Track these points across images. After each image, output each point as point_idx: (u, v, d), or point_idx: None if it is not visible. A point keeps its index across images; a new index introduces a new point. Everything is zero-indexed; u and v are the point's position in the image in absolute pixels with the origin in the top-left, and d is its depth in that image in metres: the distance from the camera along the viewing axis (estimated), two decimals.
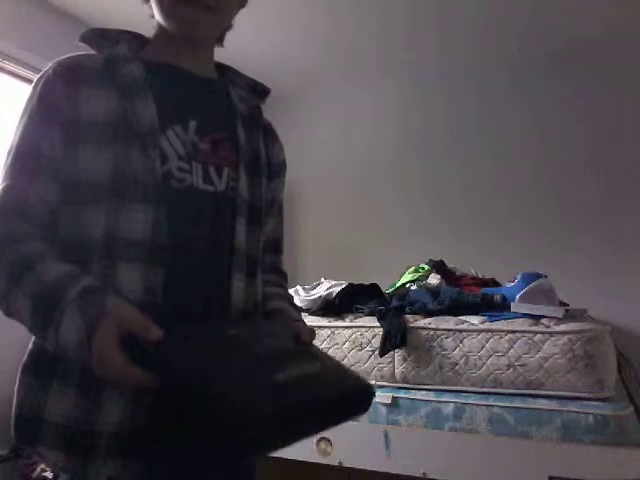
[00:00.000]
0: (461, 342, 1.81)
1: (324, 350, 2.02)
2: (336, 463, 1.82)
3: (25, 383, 0.76)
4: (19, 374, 0.77)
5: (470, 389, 1.78)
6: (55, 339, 0.65)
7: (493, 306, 1.99)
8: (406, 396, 1.85)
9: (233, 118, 0.89)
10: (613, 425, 1.56)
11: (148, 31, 0.89)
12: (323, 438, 1.84)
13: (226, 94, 0.92)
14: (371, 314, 2.07)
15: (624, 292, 2.84)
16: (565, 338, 1.68)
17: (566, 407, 1.63)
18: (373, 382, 1.91)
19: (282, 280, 1.01)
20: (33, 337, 0.77)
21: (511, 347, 1.74)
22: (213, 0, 0.81)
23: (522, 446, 1.64)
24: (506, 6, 2.74)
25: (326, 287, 2.35)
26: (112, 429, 0.71)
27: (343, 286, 2.31)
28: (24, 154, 0.77)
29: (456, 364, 1.80)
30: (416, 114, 3.53)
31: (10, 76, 2.58)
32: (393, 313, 1.99)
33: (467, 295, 2.09)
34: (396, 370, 1.89)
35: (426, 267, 2.57)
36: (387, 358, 1.90)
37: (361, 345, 1.97)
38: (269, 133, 0.97)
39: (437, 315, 1.96)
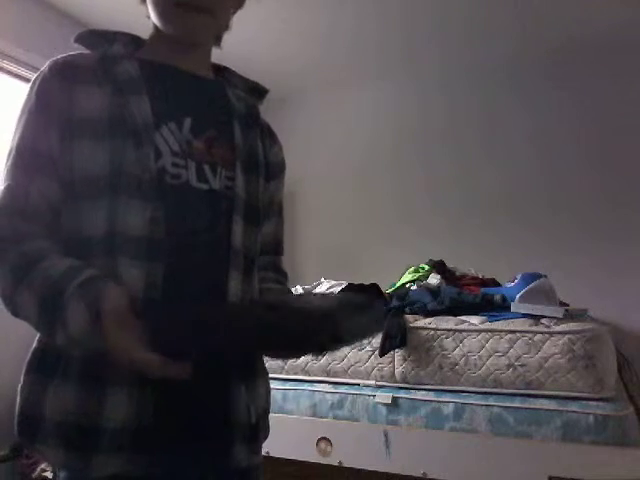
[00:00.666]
0: (461, 342, 1.81)
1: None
2: (336, 463, 1.82)
3: (28, 382, 0.76)
4: (23, 373, 0.77)
5: (470, 389, 1.78)
6: (64, 332, 0.66)
7: (493, 306, 1.99)
8: (406, 396, 1.85)
9: (230, 117, 0.89)
10: (613, 425, 1.56)
11: (148, 32, 0.89)
12: (323, 438, 1.84)
13: (223, 93, 0.92)
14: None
15: (624, 292, 2.84)
16: (565, 338, 1.68)
17: (566, 407, 1.63)
18: (373, 382, 1.92)
19: (282, 278, 1.01)
20: (37, 336, 0.77)
21: (511, 347, 1.74)
22: (208, 2, 0.80)
23: (522, 446, 1.64)
24: (505, 6, 2.74)
25: (326, 287, 2.35)
26: (117, 425, 0.71)
27: (343, 286, 2.31)
28: (24, 154, 0.77)
29: (456, 364, 1.80)
30: (415, 114, 3.53)
31: (10, 76, 2.57)
32: (393, 313, 1.99)
33: (467, 295, 2.09)
34: (396, 370, 1.89)
35: (426, 267, 2.57)
36: (387, 358, 1.90)
37: (361, 345, 1.97)
38: (267, 134, 0.97)
39: (437, 315, 1.96)
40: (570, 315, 1.84)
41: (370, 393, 1.89)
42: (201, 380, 0.71)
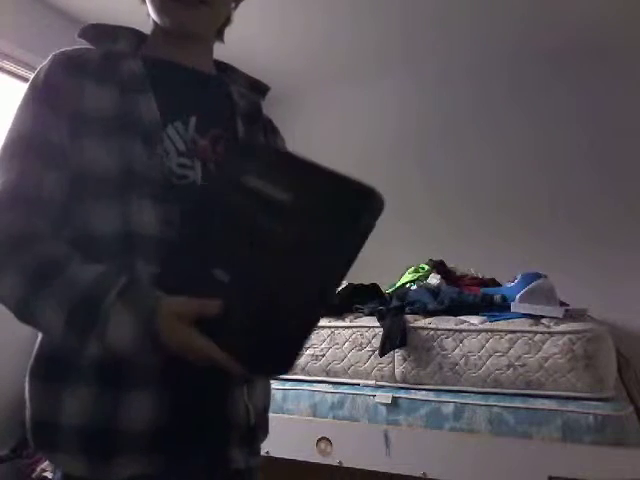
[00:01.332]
0: (461, 342, 1.81)
1: (324, 349, 2.02)
2: (336, 463, 1.81)
3: (37, 388, 0.74)
4: (28, 379, 0.75)
5: (470, 389, 1.78)
6: (101, 342, 0.64)
7: (493, 306, 1.99)
8: (406, 396, 1.84)
9: (233, 114, 0.88)
10: (613, 425, 1.56)
11: (147, 29, 0.89)
12: (323, 438, 1.84)
13: (225, 90, 0.91)
14: (371, 314, 2.07)
15: (624, 292, 2.84)
16: (565, 338, 1.68)
17: (566, 407, 1.62)
18: (373, 382, 1.91)
19: None
20: (39, 340, 0.75)
21: (511, 347, 1.74)
22: None
23: (522, 446, 1.64)
24: (504, 5, 2.74)
25: None
26: (138, 426, 0.70)
27: (343, 286, 2.31)
28: (33, 142, 0.74)
29: (456, 364, 1.80)
30: (414, 113, 3.53)
31: (10, 76, 2.57)
32: (393, 313, 1.98)
33: (467, 295, 2.09)
34: (396, 370, 1.89)
35: (426, 267, 2.57)
36: (387, 358, 1.90)
37: (361, 345, 1.96)
38: (270, 129, 0.97)
39: (437, 315, 1.96)
40: (570, 315, 1.84)
41: (370, 393, 1.89)
42: (208, 380, 0.72)
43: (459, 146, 3.39)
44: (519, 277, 2.06)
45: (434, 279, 2.39)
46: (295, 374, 2.04)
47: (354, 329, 2.01)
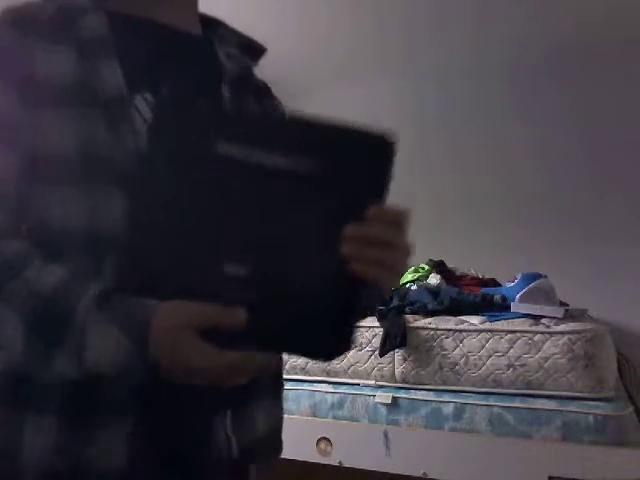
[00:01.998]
0: (461, 342, 1.81)
1: None
2: (336, 463, 1.81)
3: None
4: None
5: (470, 389, 1.78)
6: (72, 361, 0.53)
7: (493, 306, 1.99)
8: (406, 396, 1.84)
9: (217, 80, 0.73)
10: (613, 425, 1.56)
11: None
12: (323, 438, 1.84)
13: (210, 52, 0.76)
14: (371, 314, 2.07)
15: (624, 292, 2.84)
16: (565, 338, 1.68)
17: (566, 407, 1.63)
18: (373, 382, 1.91)
19: None
20: None
21: (511, 347, 1.74)
22: None
23: (522, 446, 1.64)
24: (503, 7, 2.74)
25: None
26: (109, 464, 0.57)
27: None
28: None
29: (456, 364, 1.80)
30: (413, 115, 3.53)
31: None
32: (393, 313, 1.98)
33: (467, 295, 2.09)
34: (396, 370, 1.89)
35: (426, 267, 2.57)
36: (387, 358, 1.90)
37: (361, 345, 1.96)
38: (264, 93, 0.84)
39: (437, 315, 1.96)
40: (570, 315, 1.84)
41: (370, 393, 1.89)
42: (187, 407, 0.62)
43: (458, 146, 3.39)
44: (519, 277, 2.06)
45: (434, 279, 2.39)
46: (295, 374, 2.04)
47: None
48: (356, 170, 0.57)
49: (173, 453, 0.62)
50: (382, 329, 1.92)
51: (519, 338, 1.74)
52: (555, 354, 1.67)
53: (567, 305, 2.04)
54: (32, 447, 0.57)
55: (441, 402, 1.79)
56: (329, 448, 1.83)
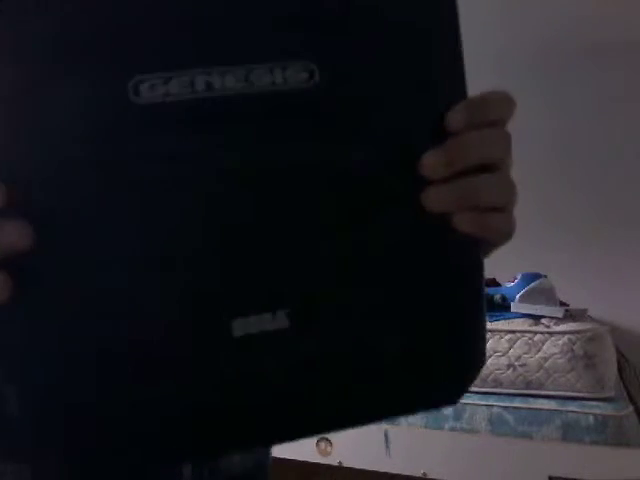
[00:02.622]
0: None
1: None
2: (336, 463, 1.81)
3: None
4: None
5: (470, 389, 1.77)
6: None
7: (493, 306, 1.98)
8: None
9: None
10: (613, 425, 1.56)
11: None
12: (323, 438, 1.84)
13: None
14: None
15: (624, 292, 2.84)
16: (565, 338, 1.68)
17: (566, 407, 1.63)
18: None
19: None
20: None
21: (511, 347, 1.74)
22: None
23: (522, 446, 1.64)
24: (502, 6, 2.74)
25: None
26: None
27: None
28: None
29: None
30: None
31: None
32: None
33: None
34: None
35: None
36: None
37: None
38: None
39: None
40: (570, 315, 1.84)
41: None
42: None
43: None
44: (519, 277, 2.06)
45: None
46: None
47: None
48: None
49: None
50: None
51: (519, 338, 1.74)
52: (555, 354, 1.67)
53: (567, 305, 2.04)
54: None
55: None
56: (329, 448, 1.83)
